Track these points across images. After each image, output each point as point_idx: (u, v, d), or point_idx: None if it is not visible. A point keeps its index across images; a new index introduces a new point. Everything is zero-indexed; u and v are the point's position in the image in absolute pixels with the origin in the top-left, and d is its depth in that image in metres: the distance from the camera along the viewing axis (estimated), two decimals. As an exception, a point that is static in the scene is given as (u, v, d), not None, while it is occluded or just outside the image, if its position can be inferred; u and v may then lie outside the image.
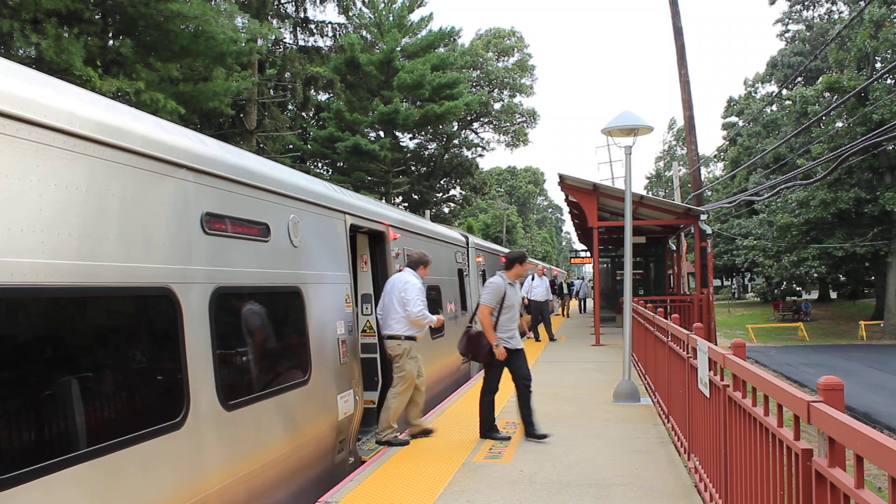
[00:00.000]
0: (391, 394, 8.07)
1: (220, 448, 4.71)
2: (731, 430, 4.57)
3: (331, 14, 51.87)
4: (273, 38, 27.95)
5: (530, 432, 8.10)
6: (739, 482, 4.37)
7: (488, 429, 8.25)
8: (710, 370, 5.31)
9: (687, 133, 24.11)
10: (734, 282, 78.11)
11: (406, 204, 45.53)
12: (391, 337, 8.05)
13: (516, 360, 8.10)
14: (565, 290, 34.00)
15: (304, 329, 6.26)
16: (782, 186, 28.31)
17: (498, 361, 8.05)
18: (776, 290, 58.78)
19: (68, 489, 3.41)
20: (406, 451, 7.74)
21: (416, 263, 8.40)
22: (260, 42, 24.71)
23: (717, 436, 5.03)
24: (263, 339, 5.64)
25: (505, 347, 8.00)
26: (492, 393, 8.23)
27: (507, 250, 26.95)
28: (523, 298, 17.02)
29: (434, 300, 11.64)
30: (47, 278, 3.40)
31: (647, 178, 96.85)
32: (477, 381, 13.04)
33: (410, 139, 47.07)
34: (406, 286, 8.00)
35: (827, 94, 37.92)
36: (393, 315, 8.03)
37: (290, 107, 34.58)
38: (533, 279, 19.88)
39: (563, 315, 33.30)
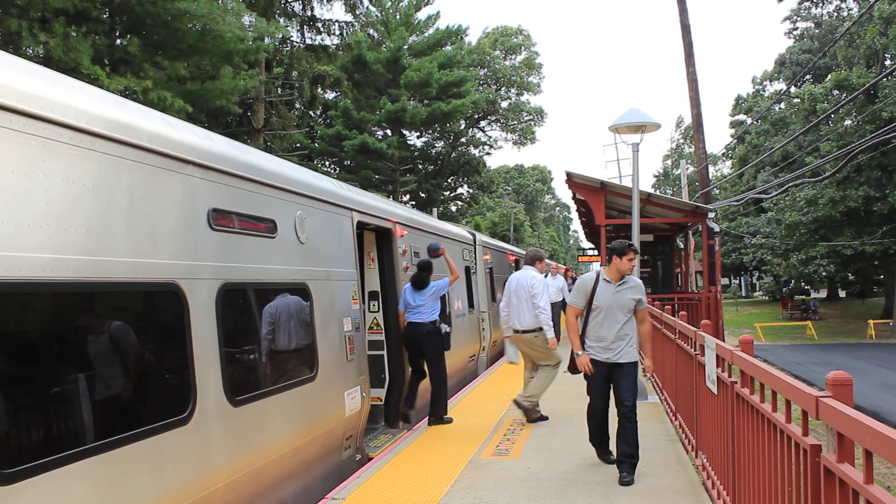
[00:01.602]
0: (538, 377, 8.85)
1: (227, 444, 4.72)
2: (739, 426, 4.55)
3: (338, 12, 52.22)
4: (280, 36, 28.01)
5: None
6: (747, 479, 4.35)
7: (602, 451, 7.04)
8: (717, 367, 5.29)
9: (695, 131, 24.04)
10: (741, 280, 77.86)
11: (414, 202, 45.51)
12: (527, 331, 8.72)
13: (618, 376, 6.53)
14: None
15: (310, 325, 6.26)
16: (791, 184, 28.20)
17: (589, 375, 6.67)
18: (784, 289, 58.56)
19: (76, 483, 3.41)
20: (413, 447, 7.73)
21: (532, 259, 9.16)
22: (267, 40, 24.75)
23: (725, 433, 5.01)
24: (270, 336, 5.64)
25: (594, 360, 6.56)
26: (594, 413, 6.87)
27: (514, 248, 26.94)
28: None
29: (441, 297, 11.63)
30: (53, 273, 3.40)
31: (655, 176, 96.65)
32: (484, 379, 13.03)
33: (418, 137, 47.03)
34: (533, 282, 8.72)
35: (836, 92, 37.72)
36: (527, 310, 8.70)
37: (297, 105, 34.61)
38: (546, 277, 19.04)
39: None
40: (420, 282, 8.87)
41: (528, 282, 8.73)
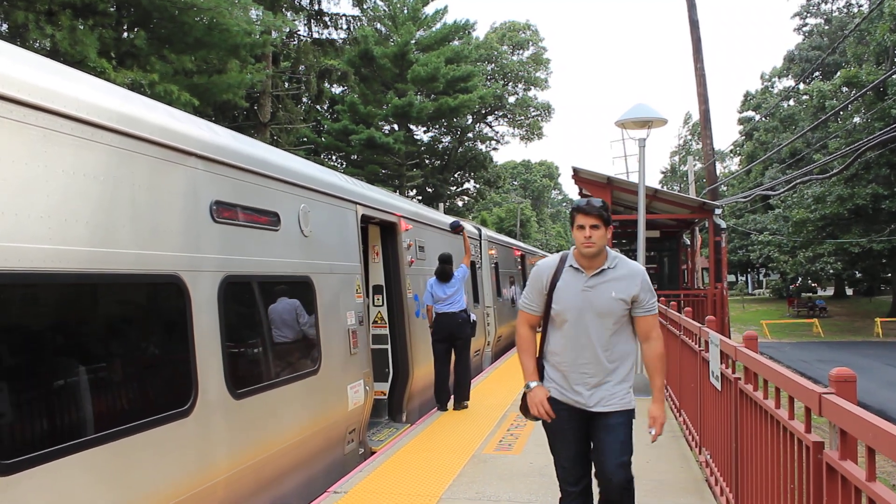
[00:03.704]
0: None
1: (229, 436, 4.71)
2: (743, 423, 4.53)
3: (345, 6, 52.08)
4: (287, 30, 27.94)
5: None
6: (750, 476, 4.33)
7: None
8: (721, 363, 5.27)
9: (702, 127, 23.95)
10: (748, 277, 77.66)
11: (420, 197, 45.50)
12: None
13: (598, 431, 4.05)
14: None
15: (313, 319, 6.25)
16: (798, 181, 28.08)
17: (548, 424, 4.16)
18: (791, 287, 58.39)
19: (75, 474, 3.41)
20: (416, 442, 7.73)
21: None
22: (274, 34, 24.70)
23: (729, 429, 4.99)
24: (272, 328, 5.63)
25: (556, 401, 4.10)
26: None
27: (520, 243, 26.90)
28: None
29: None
30: (55, 264, 3.40)
31: (662, 172, 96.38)
32: (489, 374, 13.03)
33: (424, 132, 46.98)
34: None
35: (845, 89, 37.52)
36: None
37: (304, 99, 34.58)
38: None
39: None
40: (445, 274, 9.33)
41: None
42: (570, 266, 4.06)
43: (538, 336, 4.25)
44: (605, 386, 3.98)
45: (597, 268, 4.02)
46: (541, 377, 4.15)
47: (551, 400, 4.07)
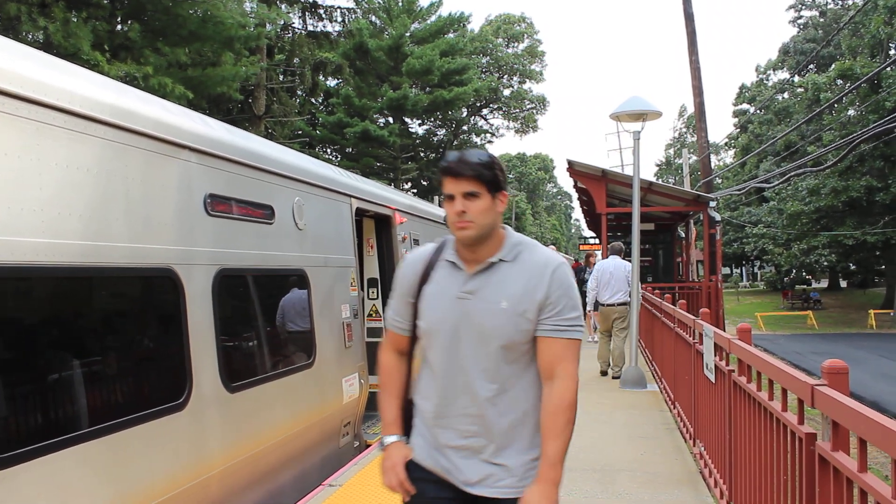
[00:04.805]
0: (621, 341, 11.25)
1: (223, 430, 4.71)
2: (736, 415, 4.55)
3: (340, -1, 51.96)
4: (282, 22, 27.90)
5: None
6: (743, 467, 4.35)
7: None
8: (715, 355, 5.28)
9: (697, 120, 23.96)
10: (742, 269, 77.85)
11: (415, 190, 45.45)
12: (622, 304, 11.25)
13: None
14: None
15: (308, 312, 6.25)
16: (793, 174, 28.12)
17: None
18: (785, 279, 58.56)
19: (70, 468, 3.41)
20: (411, 435, 7.73)
21: (621, 251, 11.93)
22: (269, 27, 24.67)
23: (722, 421, 5.01)
24: (267, 322, 5.63)
25: (419, 468, 2.62)
26: None
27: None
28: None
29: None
30: (48, 257, 3.39)
31: (657, 165, 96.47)
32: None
33: (419, 125, 46.93)
34: (628, 267, 11.22)
35: (839, 82, 37.58)
36: (622, 288, 11.27)
37: (298, 92, 34.49)
38: None
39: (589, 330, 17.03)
40: None
41: (627, 267, 11.32)
42: (447, 261, 2.57)
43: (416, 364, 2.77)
44: (494, 454, 2.49)
45: (482, 261, 2.49)
46: (409, 428, 2.69)
47: (412, 465, 2.60)
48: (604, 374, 11.53)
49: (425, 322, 2.59)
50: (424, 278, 2.62)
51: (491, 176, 2.45)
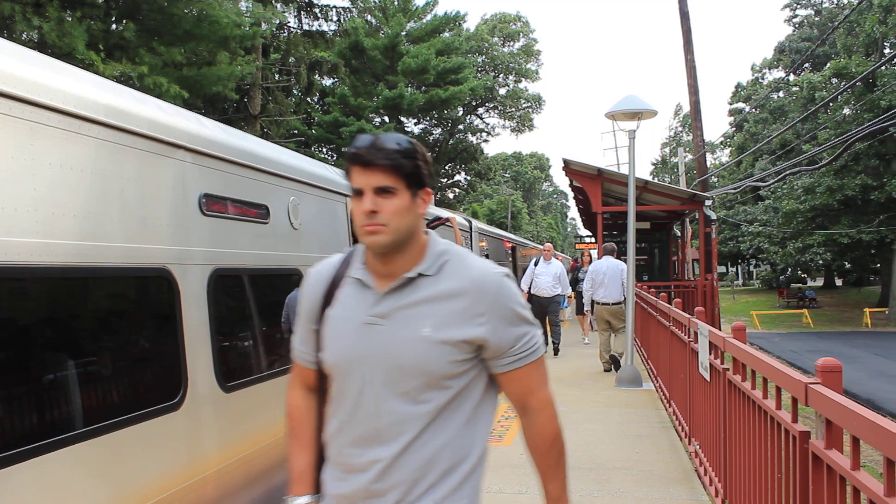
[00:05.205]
0: (622, 334, 11.42)
1: (219, 430, 4.71)
2: (731, 413, 4.56)
3: (335, -2, 51.96)
4: (277, 22, 27.87)
5: None
6: (738, 465, 4.36)
7: None
8: (710, 354, 5.30)
9: (693, 119, 24.00)
10: (738, 268, 77.98)
11: (411, 189, 45.36)
12: (618, 303, 11.64)
13: None
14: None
15: (304, 312, 6.23)
16: (788, 172, 28.18)
17: None
18: (781, 277, 58.68)
19: (63, 469, 3.41)
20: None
21: (614, 251, 12.41)
22: (264, 26, 24.63)
23: (717, 420, 5.02)
24: (263, 322, 5.63)
25: None
26: None
27: (511, 235, 26.90)
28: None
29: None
30: (42, 258, 3.39)
31: (653, 164, 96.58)
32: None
33: (415, 124, 46.93)
34: (622, 267, 11.65)
35: (835, 80, 37.66)
36: (618, 288, 11.67)
37: (294, 91, 34.48)
38: (537, 264, 14.29)
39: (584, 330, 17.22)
40: None
41: (619, 267, 11.77)
42: (354, 279, 2.09)
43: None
44: None
45: (398, 276, 2.02)
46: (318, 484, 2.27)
47: None
48: (607, 370, 11.75)
49: (327, 354, 2.12)
50: (328, 299, 2.14)
51: (411, 167, 1.96)
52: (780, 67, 57.69)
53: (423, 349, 1.95)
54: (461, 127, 51.71)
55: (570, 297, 15.38)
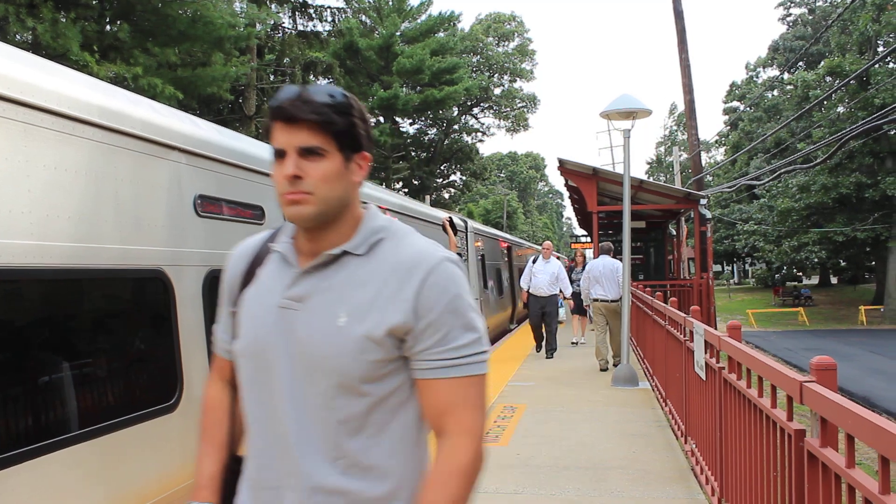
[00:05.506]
0: (617, 334, 11.65)
1: (215, 431, 4.70)
2: (727, 412, 4.57)
3: (330, -2, 51.94)
4: (272, 22, 27.84)
5: None
6: (734, 464, 4.37)
7: None
8: (706, 353, 5.30)
9: (687, 118, 24.01)
10: (733, 267, 78.11)
11: (406, 189, 45.45)
12: (614, 300, 11.86)
13: None
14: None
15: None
16: (783, 171, 28.24)
17: None
18: (776, 276, 58.80)
19: (59, 471, 3.40)
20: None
21: (610, 251, 12.56)
22: (258, 27, 24.61)
23: (713, 418, 5.03)
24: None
25: None
26: None
27: (507, 235, 26.90)
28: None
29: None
30: (37, 260, 3.38)
31: (648, 163, 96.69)
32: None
33: (410, 125, 46.96)
34: (618, 266, 11.89)
35: (828, 79, 37.75)
36: (614, 286, 11.93)
37: (289, 92, 34.37)
38: (535, 263, 13.92)
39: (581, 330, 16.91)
40: None
41: (615, 266, 12.00)
42: (279, 254, 1.78)
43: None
44: None
45: (321, 252, 1.70)
46: (231, 493, 1.89)
47: None
48: (604, 369, 11.79)
49: (237, 341, 1.78)
50: (248, 277, 1.82)
51: (345, 125, 1.64)
52: (774, 66, 57.80)
53: (337, 342, 1.60)
54: (456, 127, 51.74)
55: (567, 299, 14.99)
